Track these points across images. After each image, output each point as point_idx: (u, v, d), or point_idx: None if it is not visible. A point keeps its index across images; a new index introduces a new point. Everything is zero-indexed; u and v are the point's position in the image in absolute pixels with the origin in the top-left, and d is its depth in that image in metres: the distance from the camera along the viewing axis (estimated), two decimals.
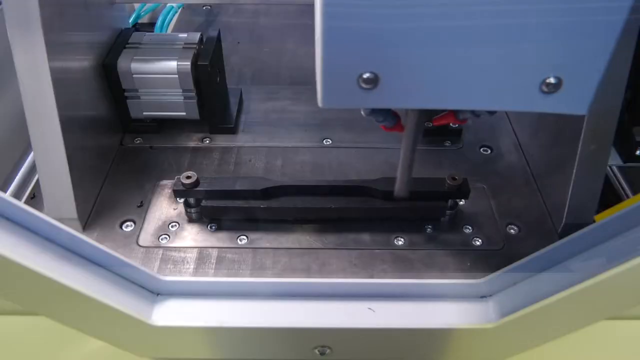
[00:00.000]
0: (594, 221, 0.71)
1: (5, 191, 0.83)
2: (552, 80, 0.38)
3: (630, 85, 0.66)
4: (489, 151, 0.89)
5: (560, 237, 0.72)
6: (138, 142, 0.89)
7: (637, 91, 0.84)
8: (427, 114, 0.52)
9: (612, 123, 0.68)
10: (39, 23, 0.64)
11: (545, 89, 0.39)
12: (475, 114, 0.53)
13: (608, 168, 0.88)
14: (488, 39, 0.37)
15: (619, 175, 0.88)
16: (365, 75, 0.38)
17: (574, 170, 0.70)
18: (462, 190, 0.73)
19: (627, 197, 0.84)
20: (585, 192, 0.72)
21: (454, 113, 0.54)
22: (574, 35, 0.37)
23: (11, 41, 0.65)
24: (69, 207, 0.72)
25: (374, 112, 0.51)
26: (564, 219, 0.73)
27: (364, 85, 0.39)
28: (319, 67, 0.39)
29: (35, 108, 0.68)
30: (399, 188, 0.58)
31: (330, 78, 0.39)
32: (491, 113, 0.51)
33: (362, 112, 0.50)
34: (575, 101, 0.40)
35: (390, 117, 0.53)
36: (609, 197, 0.84)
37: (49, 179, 0.72)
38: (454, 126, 0.90)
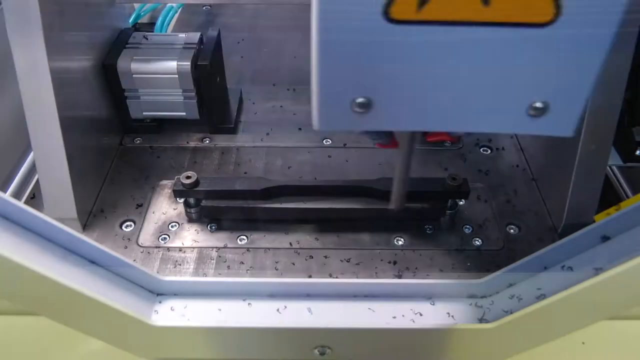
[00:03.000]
0: (594, 221, 0.71)
1: (5, 191, 0.83)
2: (539, 104, 0.39)
3: (630, 85, 0.66)
4: (489, 151, 0.89)
5: (560, 237, 0.72)
6: (138, 142, 0.89)
7: (637, 91, 0.84)
8: (421, 132, 0.53)
9: (612, 123, 0.68)
10: (39, 23, 0.64)
11: (532, 112, 0.40)
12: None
13: (608, 168, 0.88)
14: (477, 66, 0.38)
15: (619, 175, 0.88)
16: (359, 100, 0.39)
17: (574, 170, 0.70)
18: (462, 191, 0.73)
19: (627, 197, 0.84)
20: (585, 192, 0.72)
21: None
22: (560, 62, 0.37)
23: (11, 41, 0.65)
24: (69, 207, 0.72)
25: (367, 131, 0.52)
26: (563, 219, 0.73)
27: (357, 110, 0.40)
28: (314, 93, 0.40)
29: (35, 108, 0.68)
30: (394, 200, 0.59)
31: (325, 103, 0.40)
32: None
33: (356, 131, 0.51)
34: (561, 124, 0.41)
35: (384, 135, 0.54)
36: (609, 197, 0.84)
37: (49, 179, 0.72)
38: None
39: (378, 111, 0.40)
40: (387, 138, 0.55)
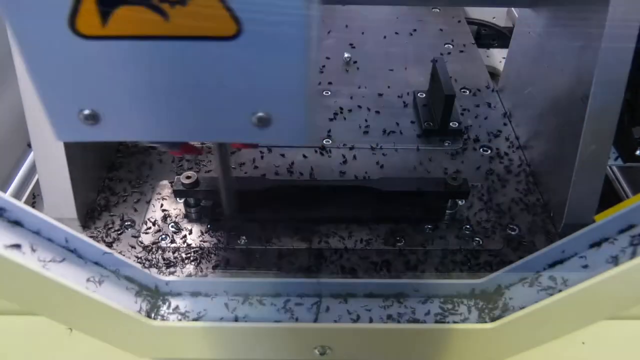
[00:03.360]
0: (594, 221, 0.71)
1: (5, 191, 0.83)
2: (261, 114, 0.40)
3: (630, 85, 0.66)
4: (489, 151, 0.89)
5: (561, 237, 0.72)
6: (138, 141, 0.89)
7: (637, 91, 0.84)
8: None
9: (612, 123, 0.68)
10: None
11: (257, 123, 0.40)
12: None
13: (608, 168, 0.88)
14: (184, 78, 0.38)
15: (619, 175, 0.88)
16: (85, 112, 0.40)
17: (574, 170, 0.70)
18: (462, 191, 0.73)
19: (627, 197, 0.84)
20: (585, 192, 0.72)
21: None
22: (261, 72, 0.38)
23: (11, 41, 0.65)
24: (69, 207, 0.72)
25: (151, 142, 0.53)
26: (563, 219, 0.73)
27: (87, 122, 0.40)
28: (42, 106, 0.40)
29: (35, 108, 0.68)
30: (226, 206, 0.61)
31: (54, 116, 0.41)
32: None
33: (143, 143, 0.52)
34: (289, 132, 0.42)
35: (173, 145, 0.55)
36: (609, 197, 0.84)
37: (49, 179, 0.72)
38: (453, 126, 0.90)
39: (107, 123, 0.41)
40: (176, 146, 0.55)
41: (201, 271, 0.69)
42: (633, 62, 0.64)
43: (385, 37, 1.16)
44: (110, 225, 0.75)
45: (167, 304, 0.57)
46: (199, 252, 0.71)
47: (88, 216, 0.76)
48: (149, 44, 0.36)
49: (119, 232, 0.74)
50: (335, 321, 0.57)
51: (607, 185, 0.81)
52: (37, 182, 0.76)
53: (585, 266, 0.52)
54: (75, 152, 0.72)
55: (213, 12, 0.35)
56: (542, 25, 0.87)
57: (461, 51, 1.13)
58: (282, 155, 0.86)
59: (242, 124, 0.41)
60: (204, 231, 0.74)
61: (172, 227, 0.75)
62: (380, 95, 1.00)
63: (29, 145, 0.91)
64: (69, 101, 0.40)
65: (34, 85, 0.39)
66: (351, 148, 0.88)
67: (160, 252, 0.71)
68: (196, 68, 0.38)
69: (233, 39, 0.36)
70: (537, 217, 0.77)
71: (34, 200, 0.84)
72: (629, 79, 0.66)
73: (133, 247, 0.72)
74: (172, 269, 0.69)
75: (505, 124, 0.94)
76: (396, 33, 1.18)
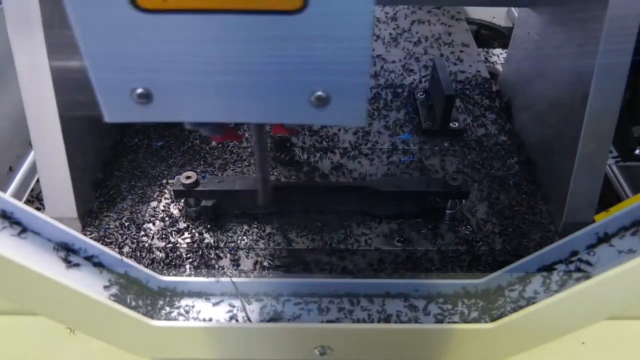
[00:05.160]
0: (594, 221, 0.72)
1: (5, 191, 0.83)
2: (320, 94, 0.39)
3: (629, 85, 0.66)
4: (489, 151, 0.89)
5: (560, 236, 0.72)
6: (138, 141, 0.89)
7: (636, 91, 0.84)
8: (268, 125, 0.54)
9: (611, 122, 0.68)
10: (39, 22, 0.64)
11: (316, 102, 0.40)
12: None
13: (608, 167, 0.88)
14: (244, 55, 0.38)
15: (618, 174, 0.88)
16: (139, 91, 0.39)
17: (574, 170, 0.70)
18: (462, 191, 0.73)
19: (627, 196, 0.84)
20: (585, 192, 0.72)
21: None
22: (324, 49, 0.37)
23: (11, 41, 0.65)
24: (70, 206, 0.72)
25: (196, 125, 0.52)
26: (563, 219, 0.73)
27: (139, 101, 0.40)
28: (94, 86, 0.40)
29: (35, 108, 0.68)
30: (261, 197, 0.60)
31: (106, 95, 0.40)
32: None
33: (187, 126, 0.51)
34: (348, 113, 0.41)
35: (216, 129, 0.54)
36: (609, 196, 0.84)
37: (49, 179, 0.72)
38: (454, 126, 0.90)
39: (159, 103, 0.40)
40: (220, 132, 0.55)
41: (201, 271, 0.69)
42: (632, 62, 0.64)
43: (384, 37, 1.17)
44: (110, 225, 0.75)
45: (167, 303, 0.57)
46: (199, 251, 0.71)
47: (88, 215, 0.76)
48: (210, 17, 0.36)
49: (120, 232, 0.74)
50: (335, 321, 0.57)
51: (606, 184, 0.81)
52: (37, 181, 0.76)
53: (585, 266, 0.52)
54: (76, 152, 0.72)
55: None
56: (541, 24, 0.87)
57: (461, 51, 1.13)
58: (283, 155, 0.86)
59: (300, 103, 0.40)
60: (204, 231, 0.74)
61: (172, 226, 0.75)
62: (380, 95, 1.00)
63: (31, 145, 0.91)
64: (122, 79, 0.39)
65: (88, 63, 0.38)
66: (351, 148, 0.88)
67: (160, 251, 0.71)
68: (257, 44, 0.37)
69: (297, 12, 0.35)
70: (537, 217, 0.77)
71: (34, 201, 0.84)
72: (628, 78, 0.66)
73: (134, 246, 0.72)
74: (172, 269, 0.69)
75: (504, 122, 0.94)
76: (396, 33, 1.18)
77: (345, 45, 0.37)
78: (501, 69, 1.12)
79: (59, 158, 0.70)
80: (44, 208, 0.73)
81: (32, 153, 0.90)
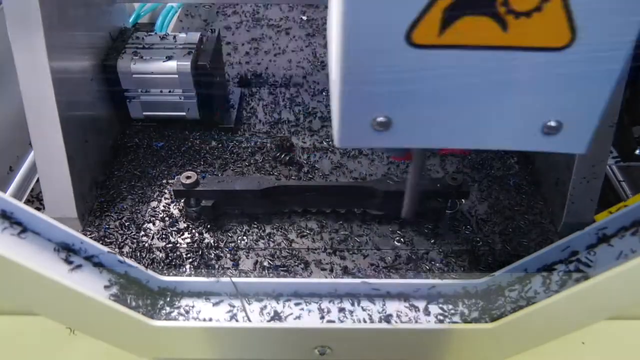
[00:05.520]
0: (594, 221, 0.71)
1: (5, 191, 0.83)
2: (553, 123, 0.41)
3: (629, 85, 0.66)
4: (489, 151, 0.89)
5: (560, 236, 0.72)
6: (138, 141, 0.89)
7: (636, 91, 0.84)
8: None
9: (611, 123, 0.68)
10: (39, 23, 0.64)
11: (547, 130, 0.41)
12: None
13: (608, 168, 0.88)
14: (494, 87, 0.39)
15: (618, 174, 0.88)
16: (380, 119, 0.41)
17: (574, 170, 0.70)
18: (462, 191, 0.73)
19: (627, 196, 0.84)
20: (585, 192, 0.72)
21: None
22: (574, 84, 0.39)
23: (12, 41, 0.65)
24: (69, 206, 0.72)
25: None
26: (563, 219, 0.73)
27: (377, 128, 0.41)
28: (335, 112, 0.41)
29: (35, 108, 0.68)
30: (406, 210, 0.61)
31: (347, 122, 0.42)
32: None
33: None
34: (574, 142, 0.42)
35: (400, 149, 0.56)
36: (609, 196, 0.84)
37: (49, 179, 0.72)
38: None
39: (397, 130, 0.41)
40: (402, 152, 0.57)
41: (201, 271, 0.69)
42: (632, 62, 0.64)
43: None
44: (110, 225, 0.75)
45: (167, 303, 0.57)
46: (200, 251, 0.71)
47: (88, 215, 0.76)
48: (472, 53, 0.37)
49: (120, 232, 0.74)
50: (335, 321, 0.57)
51: (606, 185, 0.81)
52: (37, 181, 0.76)
53: (585, 266, 0.52)
54: (76, 152, 0.72)
55: (555, 21, 0.36)
56: None
57: None
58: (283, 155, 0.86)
59: (532, 131, 0.41)
60: (204, 230, 0.74)
61: (172, 226, 0.75)
62: None
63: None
64: (369, 107, 0.40)
65: (341, 90, 0.40)
66: (351, 148, 0.88)
67: (160, 251, 0.71)
68: (509, 76, 0.38)
69: (562, 49, 0.37)
70: (537, 216, 0.77)
71: (35, 200, 0.84)
72: (628, 78, 0.66)
73: (134, 245, 0.72)
74: (172, 269, 0.69)
75: None
76: None
77: (593, 81, 0.39)
78: None
79: (59, 158, 0.70)
80: (44, 208, 0.73)
81: (32, 153, 0.90)
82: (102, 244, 0.56)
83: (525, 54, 0.37)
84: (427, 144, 0.45)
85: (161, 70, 0.83)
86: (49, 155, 0.70)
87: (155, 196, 0.79)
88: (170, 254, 0.71)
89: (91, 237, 0.67)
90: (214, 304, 0.58)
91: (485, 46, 0.37)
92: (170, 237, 0.73)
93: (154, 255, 0.70)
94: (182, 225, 0.75)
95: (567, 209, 0.73)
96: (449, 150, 0.63)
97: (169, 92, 0.85)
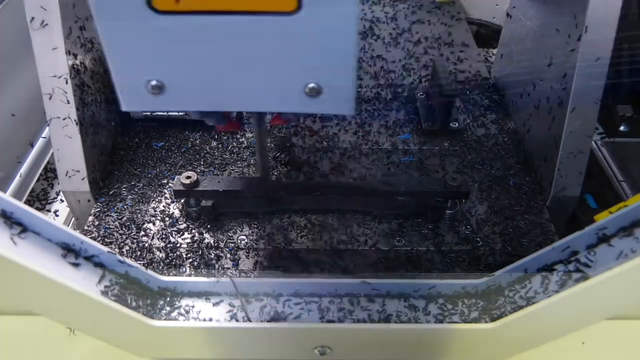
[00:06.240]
0: (594, 221, 0.72)
1: (5, 191, 0.83)
2: (313, 85, 0.44)
3: (613, 63, 0.69)
4: (489, 151, 0.89)
5: (548, 210, 0.76)
6: (138, 141, 0.89)
7: (621, 69, 0.86)
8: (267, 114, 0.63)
9: (596, 100, 0.71)
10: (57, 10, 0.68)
11: (309, 92, 0.44)
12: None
13: (593, 143, 0.91)
14: (244, 51, 0.43)
15: (603, 150, 0.91)
16: (153, 83, 0.44)
17: (561, 145, 0.73)
18: (462, 191, 0.73)
19: (613, 172, 0.87)
20: (572, 166, 0.75)
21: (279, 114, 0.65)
22: (316, 45, 0.42)
23: (30, 25, 0.68)
24: (82, 180, 0.75)
25: (202, 114, 0.60)
26: (551, 192, 0.75)
27: (153, 91, 0.45)
28: (112, 78, 0.45)
29: (51, 87, 0.71)
30: (259, 170, 0.67)
31: (123, 86, 0.45)
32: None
33: (193, 116, 0.57)
34: (339, 103, 0.46)
35: (220, 118, 0.61)
36: (594, 170, 0.87)
37: (63, 154, 0.75)
38: (454, 126, 0.90)
39: (171, 93, 0.45)
40: (223, 121, 0.62)
41: (201, 271, 0.69)
42: (615, 40, 0.66)
43: (384, 37, 1.16)
44: (111, 225, 0.75)
45: (167, 303, 0.57)
46: (200, 251, 0.71)
47: (98, 190, 0.78)
48: (215, 18, 0.40)
49: (120, 232, 0.74)
50: (335, 321, 0.57)
51: (592, 160, 0.83)
52: (37, 181, 0.76)
53: (585, 266, 0.52)
54: (88, 128, 0.75)
55: None
56: (531, 6, 0.89)
57: (461, 51, 1.13)
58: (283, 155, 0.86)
59: (295, 94, 0.45)
60: (204, 230, 0.74)
61: (172, 225, 0.75)
62: (380, 95, 1.00)
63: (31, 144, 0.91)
64: (138, 72, 0.44)
65: (108, 58, 0.43)
66: (352, 148, 0.88)
67: (160, 251, 0.71)
68: (256, 41, 0.42)
69: (292, 13, 0.40)
70: (537, 216, 0.77)
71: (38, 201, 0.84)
72: (612, 56, 0.68)
73: (134, 245, 0.72)
74: (172, 269, 0.69)
75: (506, 121, 0.94)
76: (396, 33, 1.18)
77: (334, 43, 0.42)
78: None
79: (73, 135, 0.73)
80: (47, 203, 0.74)
81: (32, 153, 0.90)
82: (102, 244, 0.56)
83: (260, 18, 0.40)
84: (200, 107, 0.48)
85: None
86: (63, 132, 0.74)
87: (155, 196, 0.79)
88: (170, 254, 0.71)
89: (91, 237, 0.68)
90: (214, 304, 0.58)
91: (220, 11, 0.40)
92: (170, 237, 0.73)
93: (154, 255, 0.71)
94: (182, 225, 0.75)
95: (554, 182, 0.76)
96: (279, 121, 0.69)
97: None
